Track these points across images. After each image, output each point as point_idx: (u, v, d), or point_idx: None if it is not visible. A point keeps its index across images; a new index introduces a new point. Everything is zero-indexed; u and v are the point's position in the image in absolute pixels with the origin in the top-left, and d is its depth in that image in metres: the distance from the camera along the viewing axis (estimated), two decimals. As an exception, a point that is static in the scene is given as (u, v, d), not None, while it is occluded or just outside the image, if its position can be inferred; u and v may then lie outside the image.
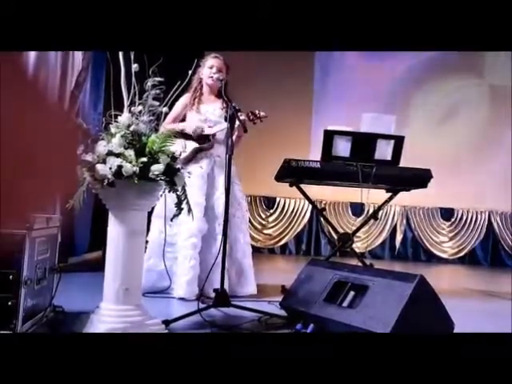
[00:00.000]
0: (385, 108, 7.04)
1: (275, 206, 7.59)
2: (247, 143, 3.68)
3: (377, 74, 7.60)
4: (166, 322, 2.38)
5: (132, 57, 2.24)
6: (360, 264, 3.82)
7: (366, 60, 7.40)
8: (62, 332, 2.26)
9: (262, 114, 3.34)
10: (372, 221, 4.39)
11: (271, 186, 4.56)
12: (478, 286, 5.23)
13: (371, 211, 4.88)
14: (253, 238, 6.57)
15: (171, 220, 2.54)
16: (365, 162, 3.67)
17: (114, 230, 2.21)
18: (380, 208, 4.24)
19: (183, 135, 3.45)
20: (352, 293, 2.46)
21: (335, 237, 4.27)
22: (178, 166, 2.25)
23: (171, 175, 2.18)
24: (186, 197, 2.32)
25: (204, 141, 3.48)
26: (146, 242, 3.25)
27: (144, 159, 2.09)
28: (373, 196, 4.07)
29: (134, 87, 2.23)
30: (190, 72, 2.60)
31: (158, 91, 2.25)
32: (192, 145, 3.48)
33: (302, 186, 3.90)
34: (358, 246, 6.97)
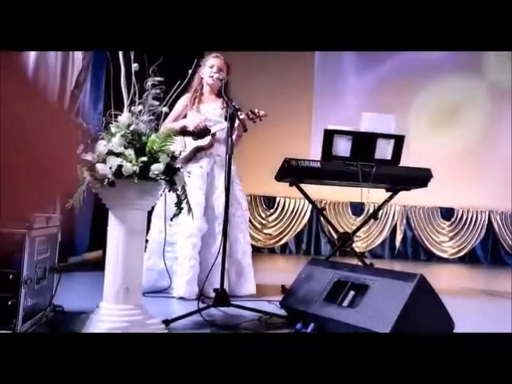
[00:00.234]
0: (385, 107, 7.03)
1: (275, 205, 7.59)
2: (247, 143, 3.68)
3: (377, 73, 7.60)
4: (166, 322, 2.38)
5: (132, 56, 2.24)
6: (360, 263, 3.82)
7: (366, 60, 7.40)
8: (61, 332, 2.26)
9: (261, 113, 3.35)
10: (372, 220, 4.40)
11: (271, 185, 4.56)
12: (478, 285, 5.23)
13: (371, 211, 4.88)
14: (253, 237, 6.57)
15: (171, 219, 2.54)
16: (365, 161, 3.67)
17: (114, 230, 2.22)
18: (380, 207, 4.25)
19: (184, 133, 3.45)
20: (352, 292, 2.46)
21: (335, 236, 4.27)
22: (178, 165, 2.25)
23: (171, 175, 2.18)
24: (185, 196, 2.32)
25: (205, 136, 3.47)
26: (146, 241, 3.25)
27: (144, 159, 2.10)
28: (373, 195, 4.08)
29: (134, 87, 2.23)
30: (190, 71, 2.60)
31: (158, 91, 2.25)
32: (192, 144, 3.48)
33: (302, 185, 3.90)
34: (358, 245, 6.97)
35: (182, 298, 3.26)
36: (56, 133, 0.59)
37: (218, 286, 2.76)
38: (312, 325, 2.42)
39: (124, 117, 2.20)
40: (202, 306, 2.67)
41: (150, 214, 2.59)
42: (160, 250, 3.27)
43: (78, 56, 4.24)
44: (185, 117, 3.63)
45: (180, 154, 2.36)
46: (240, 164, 3.63)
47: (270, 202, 7.61)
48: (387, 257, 7.67)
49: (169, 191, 2.26)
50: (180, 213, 2.34)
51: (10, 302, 1.96)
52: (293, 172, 3.65)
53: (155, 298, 3.25)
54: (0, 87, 0.50)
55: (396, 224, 7.68)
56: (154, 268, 3.40)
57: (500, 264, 7.61)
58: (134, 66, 2.22)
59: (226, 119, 3.04)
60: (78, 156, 1.96)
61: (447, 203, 7.67)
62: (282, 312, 2.81)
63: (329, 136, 3.68)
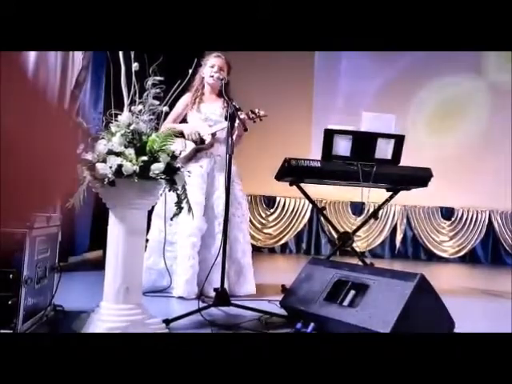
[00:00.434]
0: (385, 107, 7.03)
1: (275, 205, 7.59)
2: (247, 143, 3.68)
3: (377, 73, 7.60)
4: (167, 321, 2.38)
5: (132, 56, 2.24)
6: (360, 263, 3.82)
7: (366, 59, 7.39)
8: (62, 331, 2.26)
9: (261, 112, 3.35)
10: (372, 220, 4.39)
11: (271, 185, 4.56)
12: (478, 285, 5.23)
13: (371, 210, 4.88)
14: (253, 237, 6.57)
15: (171, 219, 2.54)
16: (365, 161, 3.67)
17: (115, 229, 2.22)
18: (380, 207, 4.25)
19: (183, 135, 3.46)
20: (352, 292, 2.46)
21: (335, 236, 4.27)
22: (178, 165, 2.25)
23: (171, 174, 2.18)
24: (186, 196, 2.32)
25: (202, 143, 3.49)
26: (147, 240, 3.26)
27: (144, 158, 2.10)
28: (373, 195, 4.08)
29: (134, 86, 2.23)
30: (190, 71, 2.60)
31: (158, 90, 2.25)
32: (192, 144, 3.48)
33: (302, 185, 3.90)
34: (359, 245, 6.97)
35: (181, 298, 3.26)
36: (56, 133, 0.59)
37: (218, 285, 2.77)
38: (312, 324, 2.42)
39: (124, 116, 2.20)
40: (202, 305, 2.67)
41: (150, 213, 2.59)
42: (160, 249, 3.27)
43: (77, 56, 4.24)
44: (185, 116, 3.63)
45: (180, 154, 2.36)
46: (240, 164, 3.63)
47: (270, 201, 7.61)
48: (387, 256, 7.67)
49: (169, 191, 2.26)
50: (180, 212, 2.34)
51: (10, 302, 1.97)
52: (293, 171, 3.65)
53: (155, 298, 3.25)
54: (0, 87, 0.50)
55: (396, 224, 7.68)
56: (153, 267, 3.40)
57: (500, 264, 7.61)
58: (135, 66, 2.22)
59: (226, 119, 3.04)
60: (78, 155, 1.96)
61: (447, 203, 7.67)
62: (282, 312, 2.81)
63: (329, 136, 3.68)
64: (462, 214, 7.75)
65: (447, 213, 7.78)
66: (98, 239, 4.55)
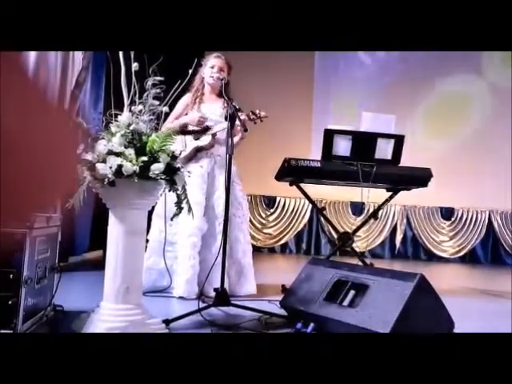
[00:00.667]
0: (385, 107, 7.03)
1: (275, 205, 7.59)
2: (247, 143, 3.68)
3: (377, 73, 7.60)
4: (167, 321, 2.38)
5: (132, 56, 2.24)
6: (360, 263, 3.82)
7: (366, 59, 7.39)
8: (62, 331, 2.26)
9: (262, 113, 3.34)
10: (372, 220, 4.39)
11: (271, 185, 4.56)
12: (478, 285, 5.23)
13: (371, 210, 4.88)
14: (253, 237, 6.57)
15: (171, 219, 2.54)
16: (365, 161, 3.67)
17: (115, 229, 2.22)
18: (380, 207, 4.25)
19: (184, 132, 3.45)
20: (352, 292, 2.46)
21: (335, 236, 4.27)
22: (178, 165, 2.25)
23: (171, 174, 2.18)
24: (186, 196, 2.32)
25: (206, 132, 3.48)
26: (147, 240, 3.26)
27: (144, 158, 2.10)
28: (373, 195, 4.08)
29: (134, 86, 2.23)
30: (190, 71, 2.60)
31: (158, 90, 2.25)
32: (192, 144, 3.48)
33: (302, 185, 3.90)
34: (358, 245, 6.97)
35: (181, 298, 3.26)
36: (56, 133, 0.59)
37: (218, 285, 2.77)
38: (312, 324, 2.42)
39: (124, 116, 2.20)
40: (202, 305, 2.67)
41: (150, 213, 2.59)
42: (160, 249, 3.27)
43: (77, 56, 4.24)
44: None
45: (180, 154, 2.36)
46: (240, 164, 3.63)
47: (269, 201, 7.61)
48: (387, 257, 7.67)
49: (169, 191, 2.26)
50: (180, 212, 2.34)
51: (10, 302, 1.97)
52: (293, 172, 3.65)
53: (155, 298, 3.25)
54: (0, 87, 0.50)
55: (396, 224, 7.68)
56: (154, 267, 3.40)
57: (500, 264, 7.61)
58: (134, 66, 2.22)
59: (226, 119, 3.04)
60: (78, 156, 1.96)
61: (447, 203, 7.67)
62: (282, 312, 2.81)
63: (329, 136, 3.68)
64: (462, 214, 7.75)
65: (447, 213, 7.78)
66: (98, 239, 4.56)
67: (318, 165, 3.66)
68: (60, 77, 4.05)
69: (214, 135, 3.49)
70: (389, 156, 3.75)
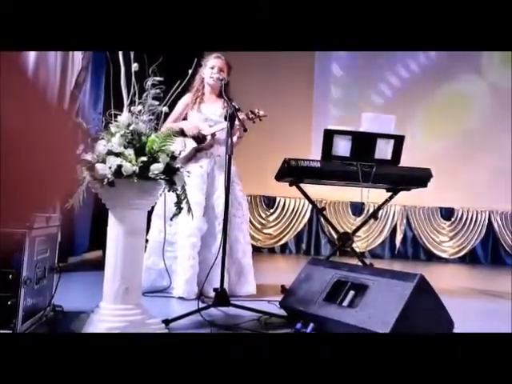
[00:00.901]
0: (385, 108, 7.04)
1: (275, 205, 7.59)
2: (247, 143, 3.68)
3: (377, 73, 7.60)
4: (166, 322, 2.38)
5: (132, 56, 2.24)
6: (360, 263, 3.82)
7: (366, 59, 7.39)
8: (61, 331, 2.26)
9: (261, 112, 3.34)
10: (372, 220, 4.39)
11: (271, 185, 4.56)
12: (477, 285, 5.23)
13: (371, 211, 4.88)
14: (253, 237, 6.57)
15: (171, 219, 2.54)
16: (365, 161, 3.67)
17: (114, 230, 2.22)
18: (380, 207, 4.25)
19: (183, 134, 3.45)
20: (352, 292, 2.46)
21: (335, 236, 4.27)
22: (178, 165, 2.25)
23: (171, 174, 2.18)
24: (185, 196, 2.32)
25: (203, 141, 3.49)
26: (146, 241, 3.25)
27: (144, 158, 2.09)
28: (373, 195, 4.08)
29: (134, 87, 2.23)
30: (190, 71, 2.60)
31: (157, 90, 2.25)
32: (192, 144, 3.48)
33: (302, 185, 3.90)
34: (358, 245, 6.97)
35: (181, 298, 3.26)
36: (56, 133, 0.59)
37: (217, 285, 2.77)
38: (312, 325, 2.42)
39: (124, 117, 2.20)
40: (201, 305, 2.67)
41: (149, 213, 2.59)
42: (160, 249, 3.27)
43: (77, 56, 4.24)
44: (186, 116, 3.63)
45: (180, 154, 2.36)
46: (240, 164, 3.63)
47: (270, 201, 7.61)
48: (387, 257, 7.67)
49: (168, 191, 2.26)
50: (180, 212, 2.34)
51: (9, 302, 1.96)
52: (292, 172, 3.65)
53: (155, 298, 3.25)
54: (0, 87, 0.50)
55: (396, 224, 7.68)
56: (153, 267, 3.40)
57: (500, 264, 7.61)
58: (134, 66, 2.22)
59: (225, 119, 3.04)
60: (78, 156, 1.96)
61: (447, 203, 7.67)
62: (282, 312, 2.81)
63: (329, 136, 3.68)
64: (462, 215, 7.75)
65: (447, 213, 7.78)
66: (98, 239, 4.55)
67: (318, 165, 3.66)
68: (60, 77, 4.04)
69: (213, 135, 3.49)
70: (388, 156, 3.75)
